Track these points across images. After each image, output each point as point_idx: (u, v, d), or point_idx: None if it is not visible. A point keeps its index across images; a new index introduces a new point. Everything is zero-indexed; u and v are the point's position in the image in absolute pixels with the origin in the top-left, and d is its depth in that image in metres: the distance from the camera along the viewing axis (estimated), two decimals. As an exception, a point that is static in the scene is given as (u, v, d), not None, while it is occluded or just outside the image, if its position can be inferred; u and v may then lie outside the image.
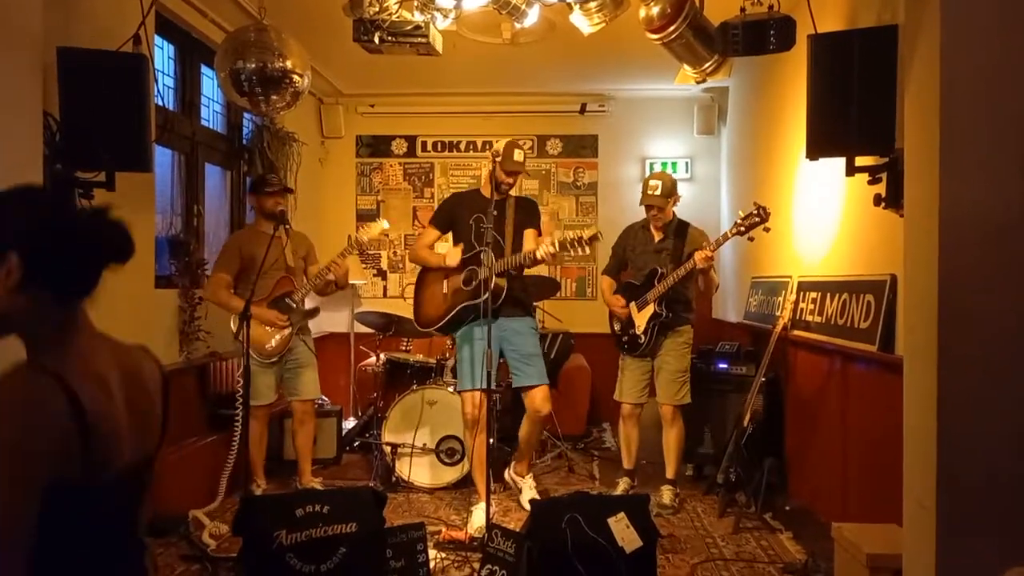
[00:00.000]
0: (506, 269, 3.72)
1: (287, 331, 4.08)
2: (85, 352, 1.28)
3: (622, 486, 4.25)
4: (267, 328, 4.01)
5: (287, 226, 4.02)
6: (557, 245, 3.56)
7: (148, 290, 3.89)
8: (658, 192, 4.10)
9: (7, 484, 1.09)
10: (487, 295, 3.46)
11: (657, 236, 4.22)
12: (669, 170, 6.49)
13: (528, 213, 4.00)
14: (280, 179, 4.15)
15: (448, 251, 3.93)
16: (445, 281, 3.93)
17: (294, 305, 4.08)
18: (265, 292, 4.01)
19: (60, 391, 1.15)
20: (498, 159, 3.73)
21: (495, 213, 3.60)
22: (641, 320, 4.12)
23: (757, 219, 3.78)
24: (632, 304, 4.16)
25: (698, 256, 3.86)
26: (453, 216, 4.02)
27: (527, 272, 4.07)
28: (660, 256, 4.16)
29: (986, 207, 2.30)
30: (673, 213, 4.24)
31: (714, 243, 3.96)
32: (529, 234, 3.95)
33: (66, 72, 2.95)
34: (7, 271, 1.19)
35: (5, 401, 1.13)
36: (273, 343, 4.04)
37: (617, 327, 4.28)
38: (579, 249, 3.60)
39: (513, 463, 4.25)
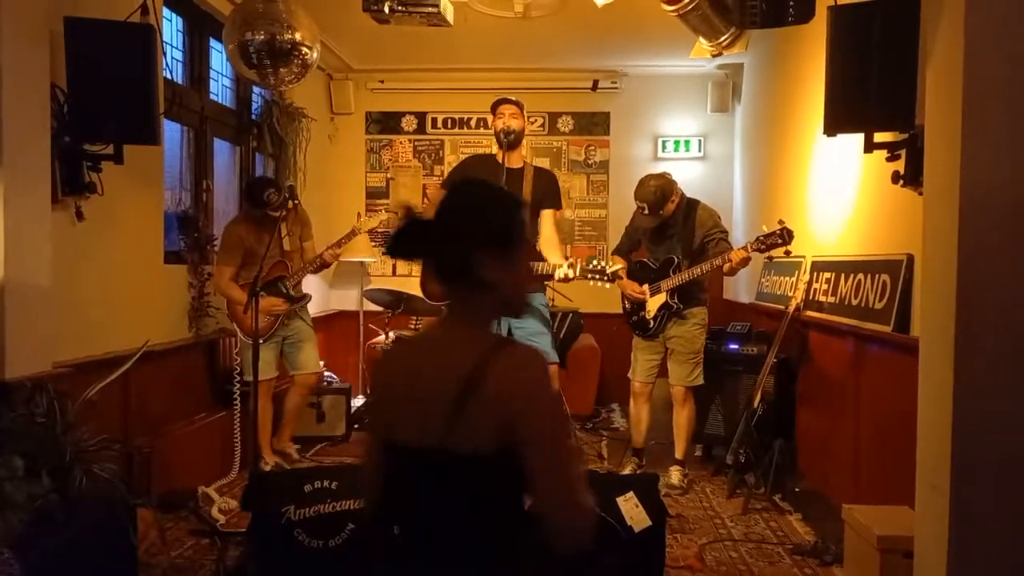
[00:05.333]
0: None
1: (269, 314, 4.06)
2: None
3: (629, 466, 4.24)
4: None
5: (296, 201, 4.03)
6: (578, 271, 3.46)
7: (157, 266, 3.89)
8: (646, 212, 4.00)
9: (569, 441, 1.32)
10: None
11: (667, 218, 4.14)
12: (681, 149, 6.43)
13: (547, 188, 3.85)
14: (279, 193, 4.03)
15: None
16: None
17: (284, 290, 4.09)
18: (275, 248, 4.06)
19: None
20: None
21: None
22: (652, 306, 4.08)
23: (779, 240, 3.70)
24: (645, 286, 4.11)
25: (735, 256, 3.76)
26: None
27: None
28: (671, 241, 4.10)
29: (1009, 186, 2.24)
30: (680, 195, 4.15)
31: (729, 256, 3.83)
32: (547, 216, 3.80)
33: (73, 43, 2.92)
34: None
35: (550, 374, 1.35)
36: (264, 317, 4.04)
37: (627, 305, 4.24)
38: (598, 280, 3.49)
39: None
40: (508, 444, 1.26)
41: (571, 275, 3.47)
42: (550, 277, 3.59)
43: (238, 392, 4.11)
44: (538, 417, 1.28)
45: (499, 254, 1.34)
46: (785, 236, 3.69)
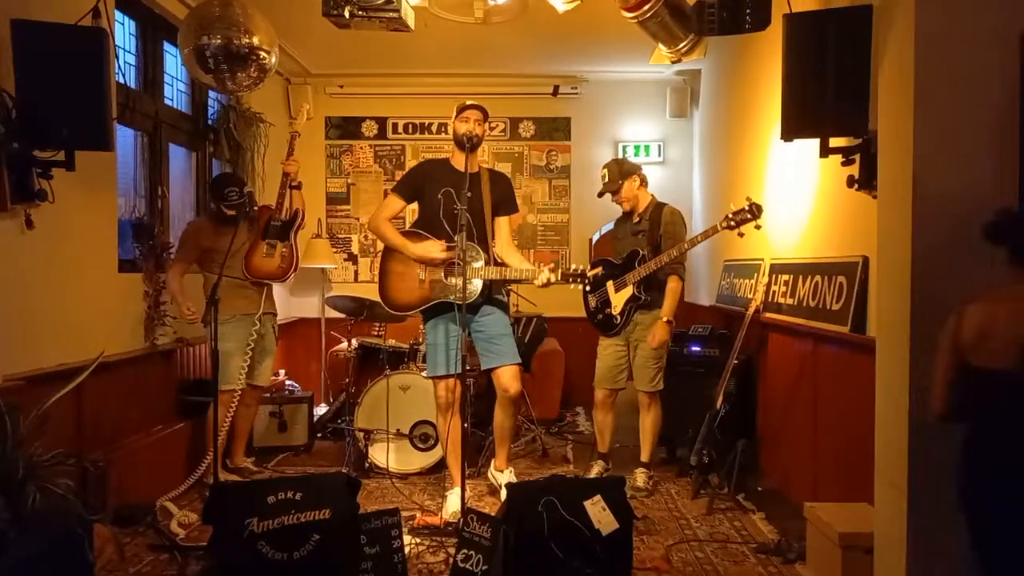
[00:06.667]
0: (490, 270, 3.63)
1: (284, 249, 4.17)
2: None
3: (596, 469, 4.25)
4: (267, 256, 4.15)
5: (255, 207, 4.02)
6: (559, 275, 3.52)
7: (111, 274, 3.79)
8: (606, 179, 4.16)
9: None
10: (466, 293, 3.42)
11: (635, 219, 4.21)
12: (641, 154, 6.50)
13: (502, 192, 3.85)
14: (241, 194, 4.08)
15: (424, 245, 3.70)
16: (424, 266, 3.74)
17: (279, 223, 4.19)
18: (243, 253, 4.11)
19: None
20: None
21: (469, 194, 3.50)
22: (618, 301, 4.10)
23: (749, 216, 3.75)
24: (609, 283, 4.13)
25: (657, 336, 4.02)
26: (421, 187, 3.82)
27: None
28: (638, 238, 4.15)
29: (960, 188, 2.31)
30: (652, 196, 4.23)
31: (700, 236, 3.93)
32: (504, 222, 3.82)
33: (21, 46, 2.85)
34: None
35: None
36: (277, 262, 4.17)
37: (592, 305, 4.24)
38: (578, 283, 3.57)
39: (492, 460, 4.09)
40: None
41: (553, 280, 3.51)
42: (528, 281, 3.62)
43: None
44: None
45: None
46: (754, 211, 3.74)
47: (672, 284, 4.05)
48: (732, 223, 3.79)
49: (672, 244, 4.00)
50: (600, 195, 4.25)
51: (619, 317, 4.10)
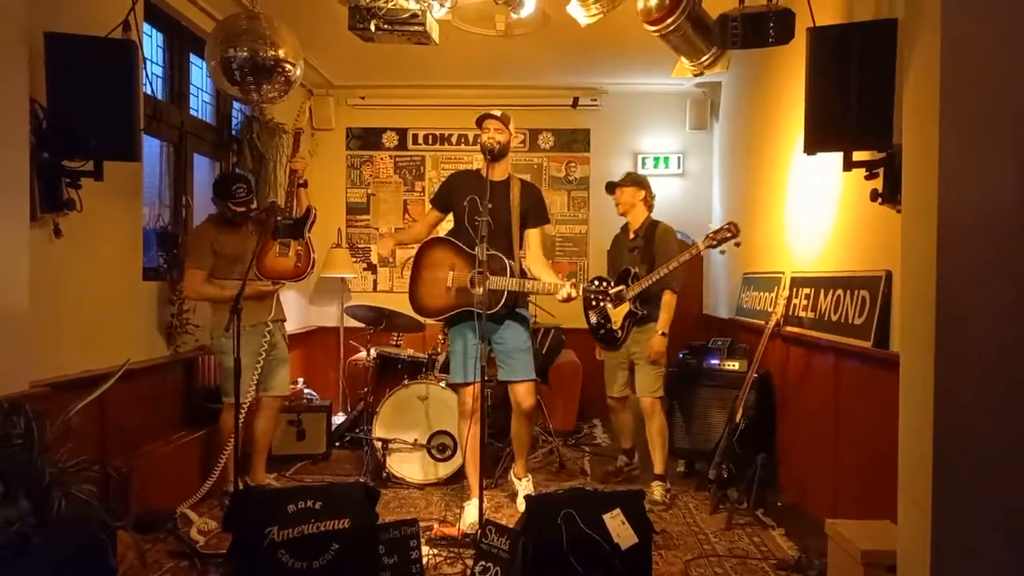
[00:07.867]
0: (512, 282, 3.62)
1: (299, 247, 4.07)
2: None
3: (620, 462, 4.50)
4: (280, 256, 4.01)
5: (277, 217, 4.03)
6: (580, 290, 3.52)
7: (136, 282, 3.84)
8: (616, 180, 4.42)
9: None
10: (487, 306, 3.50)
11: (631, 235, 4.37)
12: (661, 166, 6.51)
13: (533, 203, 3.84)
14: (249, 187, 4.04)
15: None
16: (451, 273, 3.74)
17: (291, 221, 4.07)
18: (247, 257, 3.89)
19: None
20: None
21: (490, 205, 3.52)
22: (617, 316, 4.25)
23: (728, 234, 3.94)
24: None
25: (653, 348, 4.12)
26: (450, 198, 3.87)
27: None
28: (632, 255, 4.30)
29: (985, 202, 2.29)
30: (648, 216, 4.37)
31: (684, 256, 4.02)
32: (533, 235, 3.81)
33: (53, 58, 2.90)
34: None
35: None
36: (293, 261, 4.03)
37: (593, 320, 4.34)
38: (603, 301, 3.62)
39: (512, 467, 4.16)
40: None
41: (574, 295, 3.51)
42: (548, 292, 3.62)
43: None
44: None
45: None
46: (732, 230, 3.94)
47: (666, 298, 4.16)
48: (713, 242, 3.98)
49: (665, 260, 4.11)
50: (606, 188, 4.49)
51: (620, 331, 4.25)
